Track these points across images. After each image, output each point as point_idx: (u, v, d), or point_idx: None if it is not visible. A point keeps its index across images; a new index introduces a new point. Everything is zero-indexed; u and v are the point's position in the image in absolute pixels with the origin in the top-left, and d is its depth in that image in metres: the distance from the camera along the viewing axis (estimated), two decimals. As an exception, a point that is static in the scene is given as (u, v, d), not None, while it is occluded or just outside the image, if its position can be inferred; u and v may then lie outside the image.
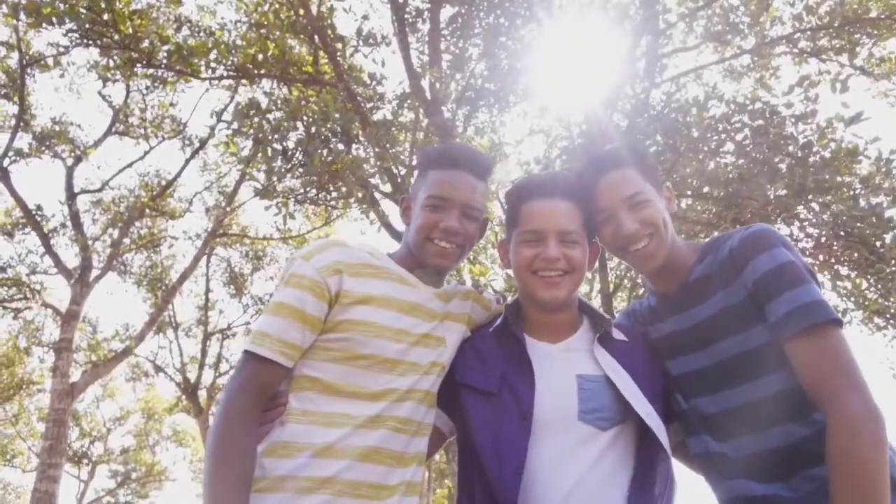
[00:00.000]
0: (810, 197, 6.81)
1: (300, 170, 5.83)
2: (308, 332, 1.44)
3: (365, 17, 7.67)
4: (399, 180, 7.54)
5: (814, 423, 1.35)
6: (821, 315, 1.30)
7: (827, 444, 1.24)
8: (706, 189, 7.54)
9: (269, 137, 5.70)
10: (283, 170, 5.46)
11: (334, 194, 6.51)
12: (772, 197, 6.93)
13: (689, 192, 7.74)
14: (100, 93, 13.06)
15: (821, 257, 7.95)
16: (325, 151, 6.07)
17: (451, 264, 1.61)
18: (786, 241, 1.41)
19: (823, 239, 7.38)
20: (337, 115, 6.44)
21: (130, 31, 6.12)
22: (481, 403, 1.54)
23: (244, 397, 1.39)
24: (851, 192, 6.92)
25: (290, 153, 5.76)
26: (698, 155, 7.27)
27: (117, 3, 5.85)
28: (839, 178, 6.73)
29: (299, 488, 1.37)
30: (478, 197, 1.61)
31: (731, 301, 1.44)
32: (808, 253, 7.98)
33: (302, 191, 6.21)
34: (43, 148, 12.73)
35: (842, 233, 6.85)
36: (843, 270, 7.95)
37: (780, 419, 1.38)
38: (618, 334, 1.64)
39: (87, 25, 6.37)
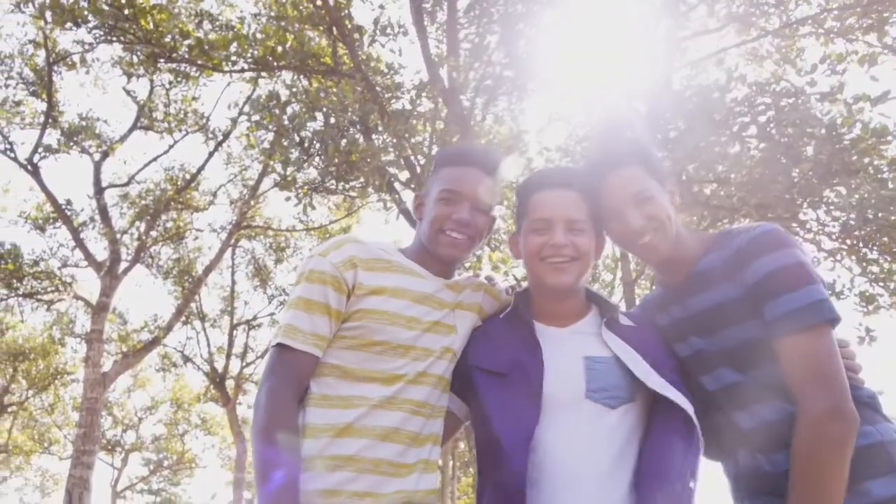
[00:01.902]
0: (836, 180, 6.67)
1: (317, 160, 5.89)
2: (333, 323, 1.55)
3: (382, 7, 7.69)
4: (418, 170, 7.56)
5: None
6: (811, 318, 1.37)
7: (792, 441, 1.32)
8: (732, 176, 7.42)
9: (288, 129, 5.76)
10: (300, 160, 5.52)
11: (353, 184, 6.55)
12: (797, 180, 6.81)
13: (710, 177, 7.62)
14: (124, 88, 13.29)
15: (848, 242, 7.80)
16: (343, 141, 6.11)
17: (462, 255, 1.68)
18: (792, 242, 1.46)
19: (851, 223, 7.23)
20: (356, 106, 6.48)
21: (151, 26, 6.22)
22: (492, 384, 1.60)
23: (287, 389, 1.49)
24: (879, 175, 6.76)
25: (306, 144, 5.82)
26: (720, 139, 7.15)
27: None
28: (866, 160, 6.58)
29: (326, 466, 1.48)
30: (488, 192, 1.69)
31: (729, 296, 1.51)
32: (834, 237, 7.84)
33: (320, 180, 6.26)
34: (71, 143, 13.01)
35: (870, 216, 6.70)
36: (872, 254, 7.79)
37: (779, 398, 1.44)
38: (625, 320, 1.69)
39: (110, 22, 6.48)
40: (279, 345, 1.52)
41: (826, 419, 1.29)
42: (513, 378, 1.57)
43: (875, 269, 7.90)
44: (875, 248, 7.63)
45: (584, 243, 1.60)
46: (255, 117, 6.41)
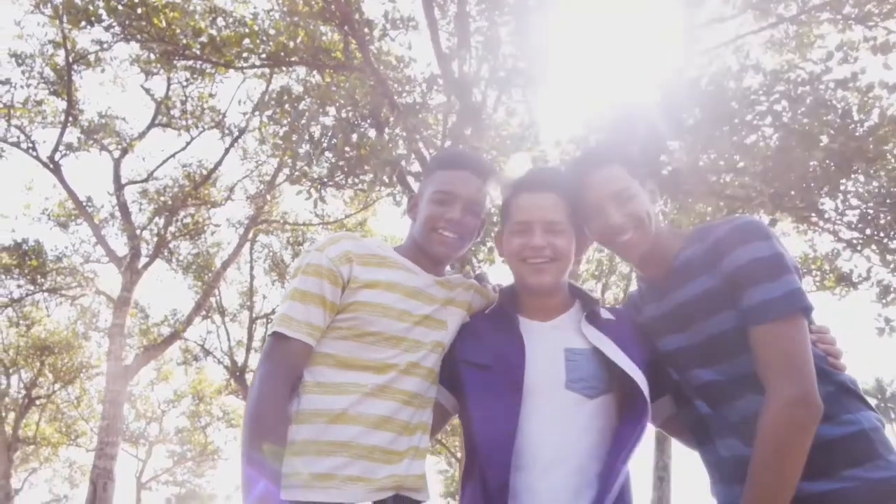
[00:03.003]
0: (856, 167, 6.57)
1: (326, 154, 5.93)
2: (328, 314, 1.62)
3: (392, 0, 7.69)
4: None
5: None
6: (785, 308, 1.41)
7: (758, 423, 1.37)
8: (743, 164, 7.33)
9: (297, 124, 5.81)
10: (309, 155, 5.57)
11: (363, 178, 6.59)
12: (812, 169, 6.71)
13: (725, 167, 7.53)
14: (142, 86, 13.46)
15: (868, 231, 7.66)
16: (354, 136, 6.15)
17: (453, 253, 1.77)
18: (770, 233, 1.50)
19: (869, 212, 7.12)
20: (367, 100, 6.51)
21: (164, 24, 6.30)
22: (477, 376, 1.68)
23: (279, 374, 1.56)
24: (899, 163, 6.65)
25: (316, 139, 5.86)
26: (735, 127, 7.07)
27: (150, -2, 6.04)
28: (886, 147, 6.47)
29: (320, 451, 1.55)
30: (479, 194, 1.77)
31: (709, 285, 1.55)
32: (853, 227, 7.71)
33: (329, 175, 6.31)
34: (91, 141, 13.22)
35: (888, 202, 6.59)
36: (893, 244, 7.65)
37: (752, 391, 1.48)
38: (605, 314, 1.76)
39: (125, 21, 6.58)
40: (275, 333, 1.59)
41: (792, 405, 1.34)
42: (496, 370, 1.65)
43: (897, 258, 7.76)
44: (895, 237, 7.49)
45: (563, 244, 1.67)
46: (268, 113, 6.46)
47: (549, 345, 1.66)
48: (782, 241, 1.50)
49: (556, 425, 1.58)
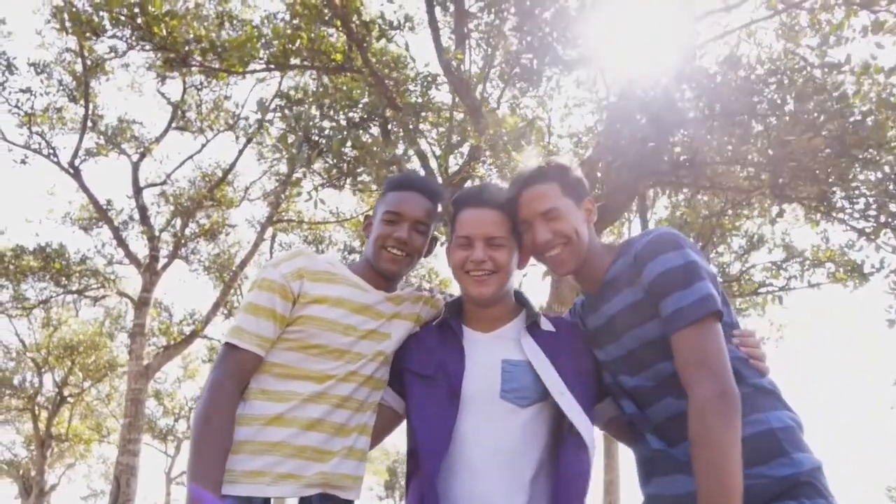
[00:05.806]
0: (859, 155, 6.43)
1: (324, 156, 6.02)
2: (277, 327, 1.73)
3: (391, 0, 7.73)
4: (433, 164, 7.61)
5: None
6: (697, 313, 1.48)
7: (689, 425, 1.42)
8: (747, 155, 7.22)
9: (294, 126, 5.91)
10: (306, 157, 5.66)
11: (364, 178, 6.66)
12: (821, 157, 6.58)
13: (729, 157, 7.42)
14: (158, 90, 13.73)
15: (882, 218, 7.49)
16: (352, 137, 6.23)
17: (402, 270, 1.87)
18: (683, 243, 1.57)
19: (873, 200, 6.97)
20: (369, 100, 6.56)
21: (165, 32, 6.45)
22: (420, 385, 1.79)
23: (228, 382, 1.68)
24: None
25: (314, 141, 5.95)
26: (735, 117, 6.97)
27: (150, 7, 6.17)
28: (889, 133, 6.32)
29: (254, 450, 1.66)
30: (426, 215, 1.87)
31: (634, 298, 1.63)
32: (864, 215, 7.54)
33: (326, 177, 6.40)
34: (110, 146, 13.54)
35: (890, 188, 6.45)
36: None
37: (670, 394, 1.56)
38: (546, 325, 1.83)
39: (130, 31, 6.74)
40: (227, 343, 1.71)
41: (713, 400, 1.38)
42: (438, 379, 1.75)
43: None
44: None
45: (503, 258, 1.75)
46: (268, 116, 6.57)
47: (488, 355, 1.76)
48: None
49: (489, 432, 1.67)
